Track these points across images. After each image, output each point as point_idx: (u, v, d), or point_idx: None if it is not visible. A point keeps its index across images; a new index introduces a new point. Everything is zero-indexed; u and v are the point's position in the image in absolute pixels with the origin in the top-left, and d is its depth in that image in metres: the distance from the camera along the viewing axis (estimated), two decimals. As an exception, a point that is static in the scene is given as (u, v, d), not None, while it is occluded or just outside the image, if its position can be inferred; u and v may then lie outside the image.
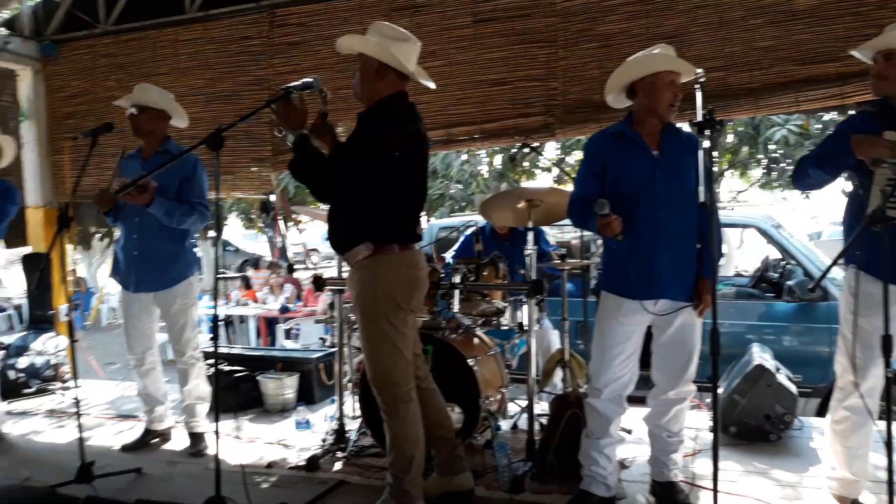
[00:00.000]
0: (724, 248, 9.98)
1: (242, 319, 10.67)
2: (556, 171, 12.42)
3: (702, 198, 2.38)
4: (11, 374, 5.24)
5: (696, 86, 2.54)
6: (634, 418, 3.91)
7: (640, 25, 4.45)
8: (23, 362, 5.37)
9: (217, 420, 2.78)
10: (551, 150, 12.84)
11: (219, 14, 5.51)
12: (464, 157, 13.65)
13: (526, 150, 4.35)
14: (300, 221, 16.01)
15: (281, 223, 15.90)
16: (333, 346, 5.46)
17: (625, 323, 2.86)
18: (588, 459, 2.96)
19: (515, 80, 4.77)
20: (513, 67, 4.79)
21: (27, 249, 6.35)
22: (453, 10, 4.91)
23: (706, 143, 2.32)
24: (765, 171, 12.89)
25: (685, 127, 3.01)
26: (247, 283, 12.27)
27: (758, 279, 5.62)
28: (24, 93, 6.16)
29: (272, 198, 14.78)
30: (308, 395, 4.82)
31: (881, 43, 2.73)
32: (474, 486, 3.12)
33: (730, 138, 12.14)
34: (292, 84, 2.73)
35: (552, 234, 5.23)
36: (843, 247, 2.55)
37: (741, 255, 15.62)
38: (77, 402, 3.37)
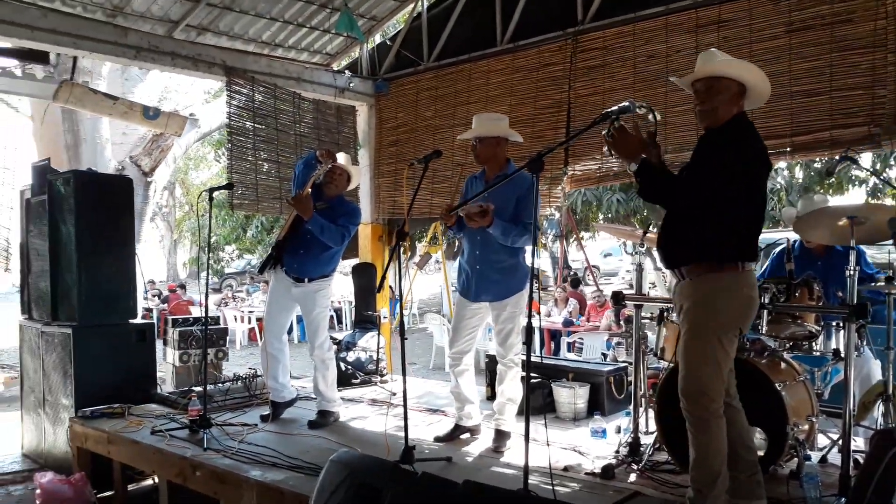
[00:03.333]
0: None
1: (529, 331, 11.10)
2: (871, 183, 11.12)
3: None
4: (342, 366, 6.00)
5: None
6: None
7: None
8: (351, 356, 6.20)
9: (527, 421, 2.99)
10: (867, 161, 11.56)
11: (526, 44, 5.93)
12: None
13: (847, 162, 4.03)
14: (582, 238, 16.23)
15: (564, 240, 16.27)
16: (617, 362, 5.53)
17: None
18: None
19: (833, 89, 4.48)
20: (830, 76, 4.50)
21: (355, 260, 7.37)
22: (762, 22, 4.76)
23: None
24: None
25: None
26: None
27: None
28: (361, 125, 7.22)
29: (558, 215, 15.20)
30: (598, 407, 4.93)
31: None
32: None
33: None
34: (610, 109, 2.86)
35: (870, 254, 4.74)
36: None
37: None
38: (405, 394, 3.75)
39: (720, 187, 2.78)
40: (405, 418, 3.75)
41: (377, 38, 7.49)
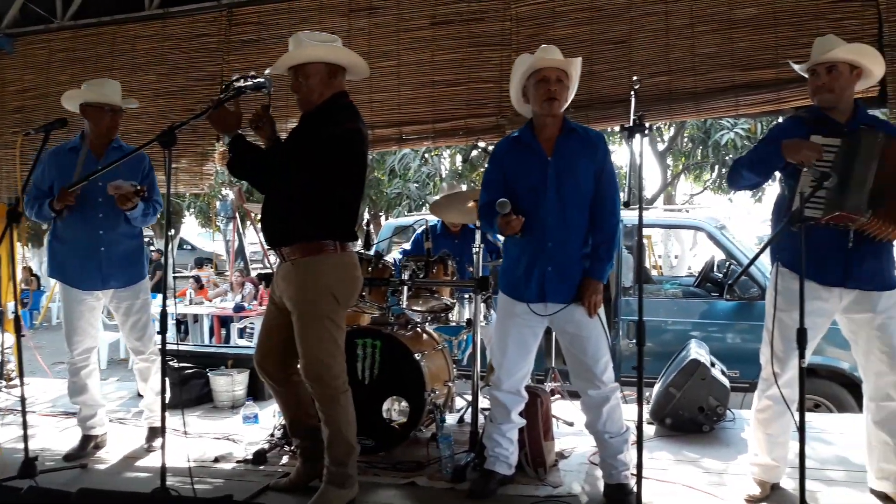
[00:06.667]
0: (676, 250, 10.17)
1: (196, 318, 10.56)
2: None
3: (625, 198, 2.49)
4: (-45, 373, 5.14)
5: (632, 92, 2.66)
6: (577, 411, 4.04)
7: (587, 31, 4.57)
8: (-33, 360, 5.29)
9: (163, 415, 2.79)
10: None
11: (178, 12, 5.51)
12: (422, 157, 13.75)
13: (478, 150, 4.44)
14: (258, 220, 15.89)
15: (238, 221, 15.77)
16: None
17: (519, 323, 3.00)
18: (491, 442, 3.12)
19: (468, 81, 4.85)
20: (466, 69, 4.87)
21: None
22: (410, 12, 4.99)
23: (635, 147, 2.44)
24: (715, 173, 13.26)
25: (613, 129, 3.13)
26: (199, 283, 12.20)
27: (701, 279, 5.80)
28: (-24, 86, 6.06)
29: (230, 195, 14.66)
30: (258, 392, 4.82)
31: (827, 57, 2.79)
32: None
33: (683, 141, 12.47)
34: (244, 84, 2.74)
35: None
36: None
37: (694, 256, 16.04)
38: (23, 400, 3.30)
39: (315, 166, 2.78)
40: (24, 426, 3.24)
41: (-3, -14, 6.35)
